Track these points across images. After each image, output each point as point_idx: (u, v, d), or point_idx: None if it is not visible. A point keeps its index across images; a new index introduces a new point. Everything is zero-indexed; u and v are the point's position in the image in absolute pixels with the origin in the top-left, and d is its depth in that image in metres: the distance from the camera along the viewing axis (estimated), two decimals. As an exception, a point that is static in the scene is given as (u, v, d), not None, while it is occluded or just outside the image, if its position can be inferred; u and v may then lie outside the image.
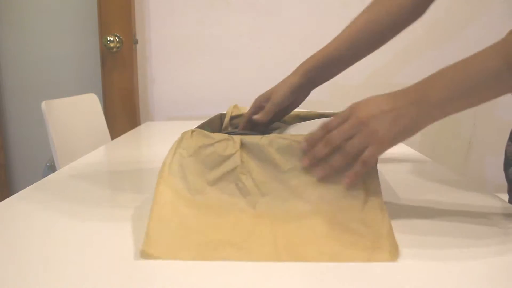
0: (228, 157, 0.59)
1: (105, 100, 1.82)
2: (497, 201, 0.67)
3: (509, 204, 0.65)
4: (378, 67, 1.81)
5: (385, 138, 0.54)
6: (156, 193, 0.55)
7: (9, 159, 2.05)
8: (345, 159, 0.56)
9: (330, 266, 0.45)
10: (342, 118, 0.57)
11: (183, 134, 0.63)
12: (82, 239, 0.52)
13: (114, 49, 1.77)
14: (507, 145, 0.84)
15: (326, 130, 0.58)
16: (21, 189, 0.72)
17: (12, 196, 0.69)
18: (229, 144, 0.60)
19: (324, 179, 0.58)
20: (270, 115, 0.77)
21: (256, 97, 0.81)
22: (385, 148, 0.55)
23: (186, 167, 0.59)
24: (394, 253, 0.47)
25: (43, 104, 1.18)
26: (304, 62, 0.79)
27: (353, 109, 0.57)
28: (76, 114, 1.38)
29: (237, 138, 0.60)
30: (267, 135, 0.60)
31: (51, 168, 1.87)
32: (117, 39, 1.77)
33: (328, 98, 1.79)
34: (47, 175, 0.84)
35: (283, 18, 1.77)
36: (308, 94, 0.81)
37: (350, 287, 0.40)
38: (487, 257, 0.47)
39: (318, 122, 0.63)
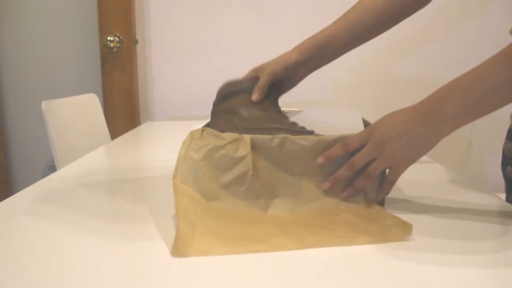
0: (240, 159, 0.60)
1: (105, 100, 1.82)
2: (497, 200, 0.67)
3: (509, 204, 0.65)
4: (379, 67, 1.81)
5: (403, 160, 0.59)
6: (175, 201, 0.56)
7: (9, 159, 2.05)
8: (369, 181, 0.61)
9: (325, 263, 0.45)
10: (361, 139, 0.60)
11: (192, 133, 0.63)
12: (82, 239, 0.52)
13: (114, 49, 1.77)
14: (505, 144, 0.84)
15: (345, 149, 0.61)
16: (21, 189, 0.72)
17: (12, 196, 0.69)
18: (240, 144, 0.61)
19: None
20: (264, 89, 0.74)
21: None
22: (404, 169, 0.60)
23: (198, 172, 0.59)
24: (406, 231, 0.52)
25: (43, 104, 1.18)
26: (303, 42, 0.78)
27: (371, 132, 0.60)
28: (76, 114, 1.38)
29: (247, 137, 0.61)
30: (278, 136, 0.62)
31: (51, 168, 1.87)
32: (117, 39, 1.77)
33: (329, 97, 1.79)
34: (47, 175, 0.84)
35: (283, 18, 1.77)
36: (303, 76, 0.79)
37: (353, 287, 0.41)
38: (487, 257, 0.47)
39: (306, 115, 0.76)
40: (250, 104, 0.72)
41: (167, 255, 0.47)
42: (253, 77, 0.76)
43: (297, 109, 0.89)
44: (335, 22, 0.79)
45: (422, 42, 1.79)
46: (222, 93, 0.75)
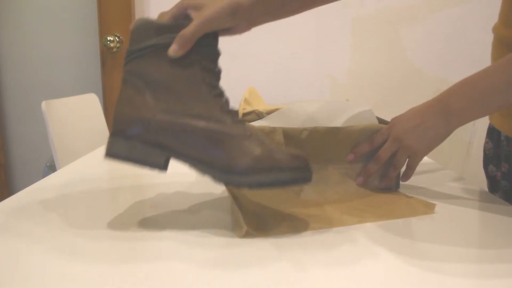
0: None
1: (105, 100, 1.82)
2: (497, 200, 0.67)
3: (509, 204, 0.65)
4: (381, 67, 1.81)
5: (419, 149, 0.66)
6: (228, 191, 0.63)
7: (9, 159, 2.05)
8: (397, 171, 0.68)
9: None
10: (383, 135, 0.68)
11: None
12: (81, 239, 0.52)
13: (114, 49, 1.77)
14: (485, 143, 0.85)
15: (371, 145, 0.68)
16: (21, 189, 0.72)
17: (12, 196, 0.69)
18: (276, 135, 0.65)
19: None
20: (191, 42, 0.53)
21: (235, 100, 0.73)
22: (421, 157, 0.67)
23: None
24: (430, 207, 0.61)
25: (43, 104, 1.18)
26: None
27: (390, 127, 0.68)
28: (76, 114, 1.38)
29: (280, 129, 0.65)
30: (307, 128, 0.66)
31: (51, 168, 1.87)
32: (117, 39, 1.77)
33: (330, 97, 1.79)
34: (47, 175, 0.84)
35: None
36: (246, 28, 0.63)
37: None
38: (487, 256, 0.47)
39: (294, 109, 0.74)
40: (166, 65, 0.54)
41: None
42: (179, 15, 0.56)
43: (279, 107, 0.87)
44: None
45: (423, 42, 1.79)
46: (132, 45, 0.55)
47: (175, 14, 0.56)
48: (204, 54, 0.54)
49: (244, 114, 0.85)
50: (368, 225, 0.56)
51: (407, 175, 0.70)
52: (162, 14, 0.57)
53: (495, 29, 0.76)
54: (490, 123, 0.83)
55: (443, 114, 0.63)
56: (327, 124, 0.72)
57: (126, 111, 0.53)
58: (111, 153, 0.53)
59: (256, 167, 0.50)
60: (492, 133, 0.83)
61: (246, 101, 0.90)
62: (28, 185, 0.75)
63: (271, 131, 0.64)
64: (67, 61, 1.98)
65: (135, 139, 0.52)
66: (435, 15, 1.76)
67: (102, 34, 1.77)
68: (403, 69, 1.82)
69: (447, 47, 1.79)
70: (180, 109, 0.52)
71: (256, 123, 0.75)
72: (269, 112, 0.82)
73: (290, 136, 0.65)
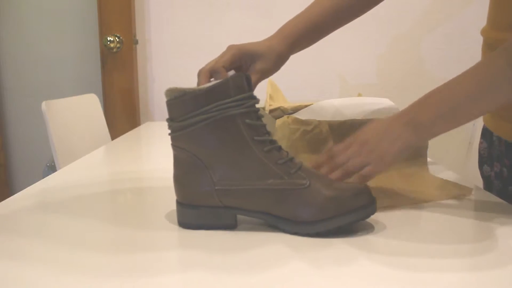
0: (324, 139, 0.75)
1: (105, 100, 1.82)
2: (497, 200, 0.67)
3: (508, 204, 0.65)
4: (380, 67, 1.81)
5: (382, 158, 0.59)
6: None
7: (9, 159, 2.05)
8: (345, 176, 0.60)
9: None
10: (345, 144, 0.62)
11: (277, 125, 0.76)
12: (81, 239, 0.52)
13: (114, 49, 1.77)
14: (480, 143, 0.85)
15: (330, 155, 0.62)
16: (21, 189, 0.72)
17: (12, 196, 0.69)
18: (322, 127, 0.75)
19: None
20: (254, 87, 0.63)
21: (257, 95, 0.75)
22: (383, 166, 0.59)
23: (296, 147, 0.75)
24: (466, 190, 0.67)
25: (43, 104, 1.18)
26: (291, 28, 0.73)
27: (355, 136, 0.62)
28: (76, 114, 1.38)
29: (325, 122, 0.76)
30: (349, 119, 0.76)
31: (51, 168, 1.87)
32: (117, 39, 1.77)
33: (330, 97, 1.79)
34: (47, 175, 0.84)
35: (283, 18, 1.77)
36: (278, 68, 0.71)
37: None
38: (488, 256, 0.47)
39: (322, 106, 0.82)
40: (214, 135, 0.54)
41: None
42: (233, 62, 0.64)
43: (308, 103, 0.90)
44: (316, 3, 0.75)
45: (424, 46, 1.79)
46: (174, 117, 0.59)
47: (231, 61, 0.63)
48: (244, 112, 0.54)
49: (271, 111, 0.87)
50: (368, 224, 0.56)
51: (356, 182, 0.60)
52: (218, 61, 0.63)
53: (483, 32, 0.76)
54: (484, 124, 0.83)
55: (410, 126, 0.58)
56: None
57: (187, 186, 0.56)
58: (183, 224, 0.56)
59: (321, 215, 0.52)
60: (486, 133, 0.83)
61: (271, 97, 0.92)
62: (28, 185, 0.75)
63: (320, 122, 0.75)
64: (67, 61, 1.98)
65: (202, 207, 0.55)
66: (435, 15, 1.76)
67: (102, 34, 1.77)
68: (403, 69, 1.81)
69: (447, 46, 1.79)
70: (238, 176, 0.54)
71: (300, 116, 0.81)
72: (293, 109, 0.86)
73: (335, 126, 0.75)
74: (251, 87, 0.56)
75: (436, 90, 0.59)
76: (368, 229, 0.55)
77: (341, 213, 0.52)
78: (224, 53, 0.64)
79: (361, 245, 0.50)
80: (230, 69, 0.63)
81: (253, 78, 0.65)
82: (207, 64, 0.63)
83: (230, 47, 0.65)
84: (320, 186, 0.53)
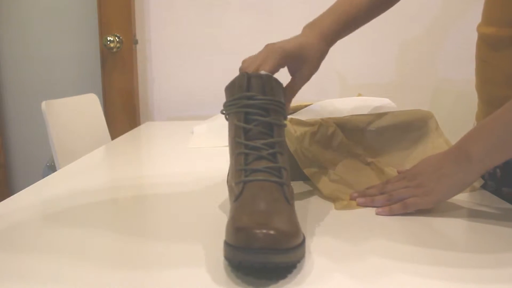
0: (332, 135, 0.74)
1: (105, 100, 1.82)
2: (497, 200, 0.67)
3: (508, 204, 0.65)
4: (380, 67, 1.81)
5: (429, 194, 0.59)
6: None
7: (9, 159, 2.05)
8: (389, 201, 0.61)
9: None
10: (399, 176, 0.65)
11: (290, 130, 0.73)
12: (81, 239, 0.52)
13: (114, 49, 1.77)
14: None
15: (381, 189, 0.65)
16: (21, 189, 0.72)
17: (12, 196, 0.69)
18: (329, 124, 0.74)
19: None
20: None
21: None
22: (429, 203, 0.59)
23: (309, 154, 0.72)
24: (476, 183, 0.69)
25: (43, 104, 1.18)
26: (329, 25, 0.73)
27: (409, 170, 0.65)
28: (76, 114, 1.38)
29: (329, 119, 0.75)
30: (353, 115, 0.77)
31: (51, 168, 1.87)
32: (117, 39, 1.77)
33: (329, 97, 1.79)
34: (47, 175, 0.84)
35: (283, 18, 1.77)
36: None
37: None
38: (487, 256, 0.47)
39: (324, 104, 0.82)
40: None
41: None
42: (277, 67, 0.62)
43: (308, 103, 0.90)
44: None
45: (425, 46, 1.79)
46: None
47: (277, 68, 0.62)
48: (236, 112, 0.55)
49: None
50: (367, 224, 0.56)
51: (392, 209, 0.60)
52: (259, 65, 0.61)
53: (478, 28, 0.77)
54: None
55: (461, 162, 0.58)
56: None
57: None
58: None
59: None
60: None
61: None
62: (28, 185, 0.75)
63: (325, 120, 0.74)
64: (67, 61, 1.98)
65: None
66: (435, 15, 1.76)
67: (102, 34, 1.77)
68: (403, 69, 1.81)
69: (447, 46, 1.79)
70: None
71: (300, 116, 0.81)
72: (293, 109, 0.87)
73: (342, 122, 0.75)
74: (267, 87, 0.55)
75: (486, 121, 0.57)
76: (371, 231, 0.55)
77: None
78: (267, 57, 0.61)
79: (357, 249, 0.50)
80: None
81: (300, 83, 0.66)
82: (249, 66, 0.61)
83: (271, 50, 0.63)
84: (237, 208, 0.46)
